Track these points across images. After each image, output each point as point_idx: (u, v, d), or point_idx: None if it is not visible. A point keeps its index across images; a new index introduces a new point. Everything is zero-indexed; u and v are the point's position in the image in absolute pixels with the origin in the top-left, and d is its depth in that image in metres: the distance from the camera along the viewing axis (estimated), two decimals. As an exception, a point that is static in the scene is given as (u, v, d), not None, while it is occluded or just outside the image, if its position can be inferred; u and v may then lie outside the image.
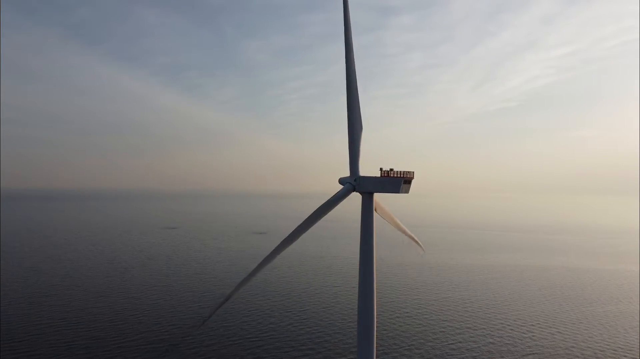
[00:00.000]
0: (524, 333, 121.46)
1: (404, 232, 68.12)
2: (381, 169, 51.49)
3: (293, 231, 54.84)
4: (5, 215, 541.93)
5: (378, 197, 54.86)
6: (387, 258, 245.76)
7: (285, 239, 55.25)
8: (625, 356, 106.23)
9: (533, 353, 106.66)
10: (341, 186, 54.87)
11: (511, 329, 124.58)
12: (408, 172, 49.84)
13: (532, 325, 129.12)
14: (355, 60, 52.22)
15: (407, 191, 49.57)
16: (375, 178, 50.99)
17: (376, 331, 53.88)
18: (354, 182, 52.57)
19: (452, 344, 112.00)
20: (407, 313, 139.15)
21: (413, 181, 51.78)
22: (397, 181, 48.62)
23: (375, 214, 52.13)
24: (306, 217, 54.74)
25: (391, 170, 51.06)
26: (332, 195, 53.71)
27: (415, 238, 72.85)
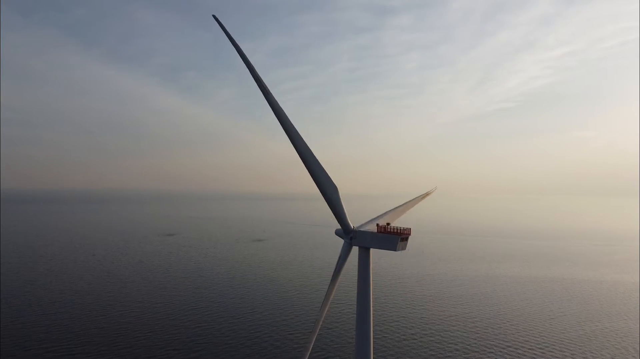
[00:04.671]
0: (527, 354, 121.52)
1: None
2: (377, 225, 51.75)
3: (324, 301, 58.34)
4: (5, 219, 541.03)
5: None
6: (386, 267, 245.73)
7: (322, 305, 58.67)
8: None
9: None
10: (337, 236, 55.69)
11: (510, 349, 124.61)
12: (405, 228, 50.05)
13: (532, 348, 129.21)
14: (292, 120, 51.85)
15: (404, 248, 49.80)
16: (372, 233, 51.20)
17: (373, 352, 54.28)
18: (350, 235, 52.87)
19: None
20: (404, 332, 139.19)
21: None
22: (394, 239, 48.85)
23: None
24: (329, 287, 57.49)
25: (388, 224, 51.29)
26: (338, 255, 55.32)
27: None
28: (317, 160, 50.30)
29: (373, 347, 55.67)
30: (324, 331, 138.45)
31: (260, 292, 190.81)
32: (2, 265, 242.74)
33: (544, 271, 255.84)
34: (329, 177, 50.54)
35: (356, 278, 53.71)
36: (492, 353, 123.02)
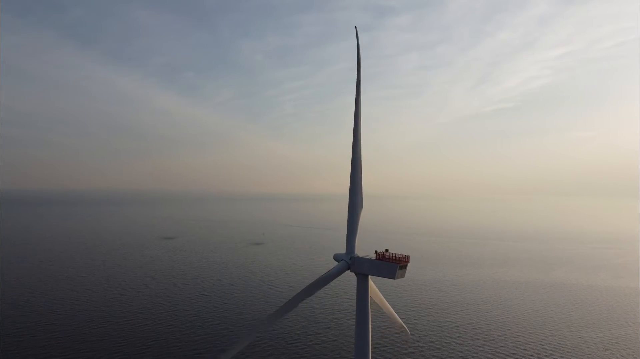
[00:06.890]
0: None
1: (391, 315, 69.90)
2: (376, 252, 51.57)
3: (287, 303, 54.30)
4: (5, 220, 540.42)
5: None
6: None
7: (280, 310, 55.03)
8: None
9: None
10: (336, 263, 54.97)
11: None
12: (403, 255, 49.87)
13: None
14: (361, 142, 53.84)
15: (402, 276, 49.62)
16: (371, 260, 50.97)
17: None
18: (349, 261, 52.61)
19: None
20: (406, 346, 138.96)
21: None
22: (392, 267, 48.64)
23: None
24: (301, 291, 54.72)
25: (386, 251, 51.12)
26: (326, 272, 53.87)
27: (401, 322, 76.10)
28: (361, 176, 53.80)
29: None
30: (323, 345, 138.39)
31: (261, 299, 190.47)
32: (2, 270, 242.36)
33: (543, 276, 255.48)
34: (362, 195, 54.93)
35: (353, 286, 53.06)
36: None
